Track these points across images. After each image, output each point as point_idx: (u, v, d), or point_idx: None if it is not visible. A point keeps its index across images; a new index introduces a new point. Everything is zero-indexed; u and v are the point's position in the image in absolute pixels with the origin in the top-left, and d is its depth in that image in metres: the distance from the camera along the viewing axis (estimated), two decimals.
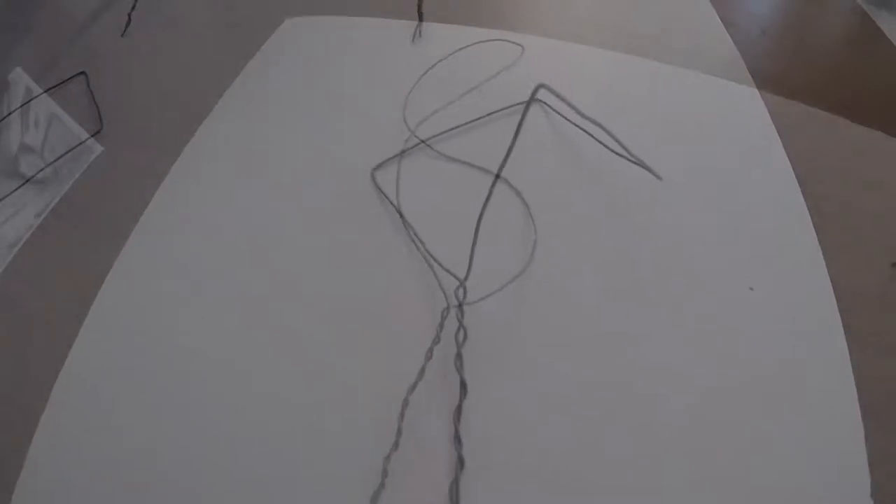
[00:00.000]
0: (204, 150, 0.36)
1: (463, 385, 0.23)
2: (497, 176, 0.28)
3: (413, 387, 0.24)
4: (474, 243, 0.25)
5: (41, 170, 0.38)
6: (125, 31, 0.46)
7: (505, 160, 0.27)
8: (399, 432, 0.24)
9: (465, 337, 0.25)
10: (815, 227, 0.30)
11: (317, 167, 0.34)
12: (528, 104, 0.30)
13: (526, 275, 0.28)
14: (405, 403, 0.24)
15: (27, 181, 0.37)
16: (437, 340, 0.24)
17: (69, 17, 0.49)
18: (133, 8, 0.46)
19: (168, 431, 0.25)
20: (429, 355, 0.24)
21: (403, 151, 0.32)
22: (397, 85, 0.36)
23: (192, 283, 0.30)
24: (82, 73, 0.43)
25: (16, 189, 0.36)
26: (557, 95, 0.30)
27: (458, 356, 0.24)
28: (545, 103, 0.34)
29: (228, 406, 0.26)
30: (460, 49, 0.37)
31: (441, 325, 0.25)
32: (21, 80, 0.43)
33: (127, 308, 0.30)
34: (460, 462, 0.23)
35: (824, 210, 0.31)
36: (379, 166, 0.32)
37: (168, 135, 0.38)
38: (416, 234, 0.26)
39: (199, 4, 0.50)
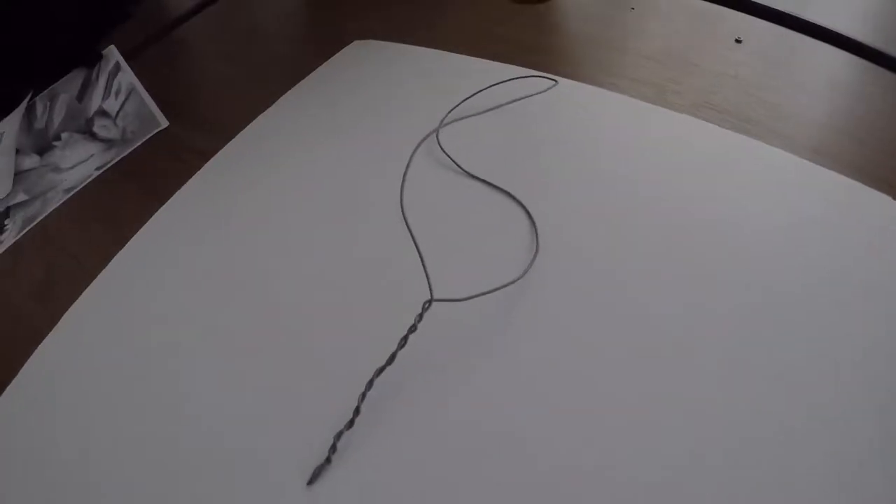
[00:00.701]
0: (250, 140, 0.40)
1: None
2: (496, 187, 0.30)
3: (380, 370, 0.26)
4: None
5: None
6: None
7: None
8: (357, 412, 0.25)
9: (413, 330, 0.26)
10: None
11: (341, 162, 0.37)
12: None
13: (518, 284, 0.29)
14: (369, 385, 0.25)
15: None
16: (412, 329, 0.26)
17: (166, 13, 0.55)
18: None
19: (129, 398, 0.28)
20: (402, 343, 0.26)
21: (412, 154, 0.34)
22: (435, 107, 0.39)
23: (201, 254, 0.33)
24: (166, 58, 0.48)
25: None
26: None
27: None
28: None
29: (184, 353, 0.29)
30: (505, 81, 0.40)
31: (420, 316, 0.26)
32: (113, 55, 0.48)
33: (133, 272, 0.33)
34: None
35: None
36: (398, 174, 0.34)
37: (226, 123, 0.42)
38: (410, 229, 0.28)
39: (284, 19, 0.55)
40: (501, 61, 0.43)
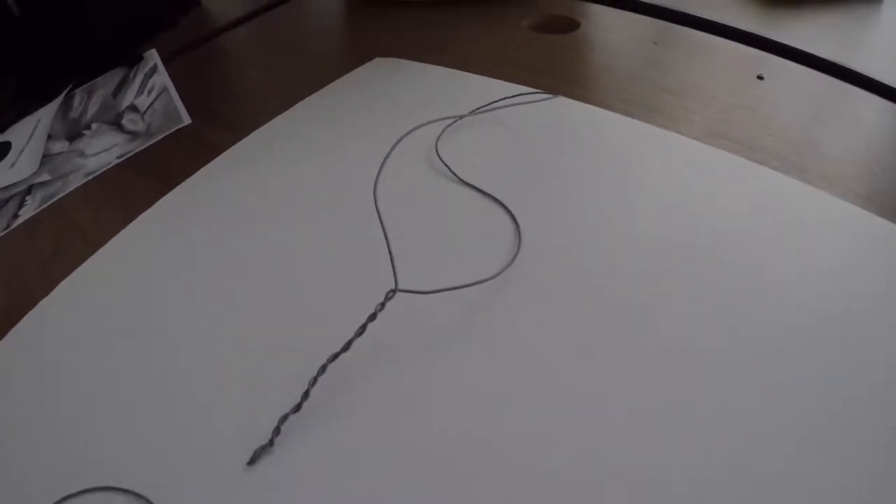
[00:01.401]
0: (262, 139, 0.42)
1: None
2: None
3: (334, 356, 0.26)
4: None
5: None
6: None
7: None
8: (306, 396, 0.25)
9: (373, 318, 0.26)
10: None
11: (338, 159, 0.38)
12: None
13: (490, 286, 0.29)
14: (321, 370, 0.25)
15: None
16: (372, 317, 0.26)
17: (209, 24, 0.58)
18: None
19: (107, 364, 0.29)
20: (360, 331, 0.26)
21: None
22: (440, 118, 0.40)
23: (196, 236, 0.35)
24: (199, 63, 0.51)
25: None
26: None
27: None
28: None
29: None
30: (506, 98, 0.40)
31: (382, 305, 0.26)
32: (152, 58, 0.51)
33: (133, 248, 0.35)
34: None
35: None
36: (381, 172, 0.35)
37: (245, 123, 0.44)
38: (381, 219, 0.28)
39: (317, 37, 0.57)
40: (515, 83, 0.44)
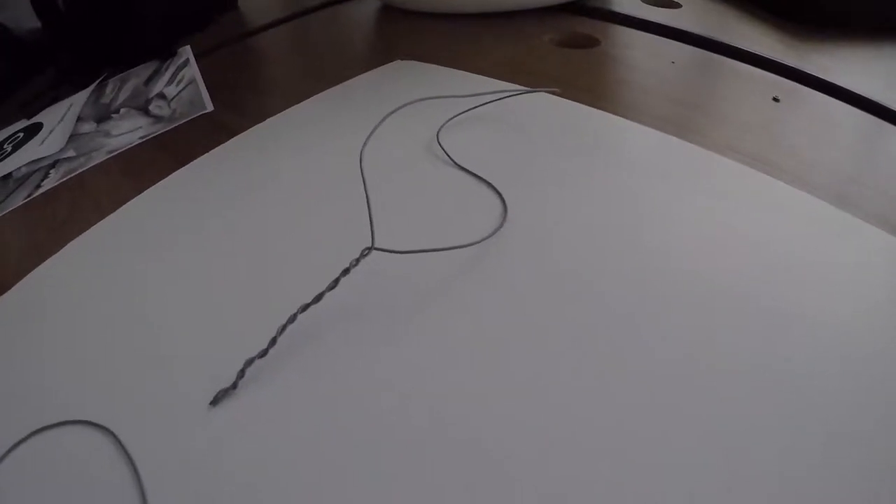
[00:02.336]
0: (275, 125, 0.43)
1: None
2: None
3: (305, 307, 0.26)
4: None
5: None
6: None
7: None
8: (273, 343, 0.25)
9: (346, 273, 0.26)
10: None
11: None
12: None
13: (470, 254, 0.29)
14: (291, 319, 0.26)
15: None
16: (345, 272, 0.26)
17: (245, 24, 0.61)
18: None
19: (107, 316, 0.30)
20: (332, 284, 0.26)
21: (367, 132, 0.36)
22: (447, 114, 0.41)
23: (202, 206, 0.36)
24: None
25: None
26: None
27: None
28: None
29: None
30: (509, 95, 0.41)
31: (356, 261, 0.27)
32: (185, 52, 0.54)
33: (141, 216, 0.36)
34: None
35: None
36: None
37: (263, 111, 0.45)
38: (365, 182, 0.28)
39: (347, 39, 0.59)
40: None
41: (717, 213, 0.32)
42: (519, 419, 0.23)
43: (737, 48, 0.51)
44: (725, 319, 0.26)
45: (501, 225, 0.31)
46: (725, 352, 0.25)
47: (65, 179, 0.41)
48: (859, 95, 0.44)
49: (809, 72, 0.47)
